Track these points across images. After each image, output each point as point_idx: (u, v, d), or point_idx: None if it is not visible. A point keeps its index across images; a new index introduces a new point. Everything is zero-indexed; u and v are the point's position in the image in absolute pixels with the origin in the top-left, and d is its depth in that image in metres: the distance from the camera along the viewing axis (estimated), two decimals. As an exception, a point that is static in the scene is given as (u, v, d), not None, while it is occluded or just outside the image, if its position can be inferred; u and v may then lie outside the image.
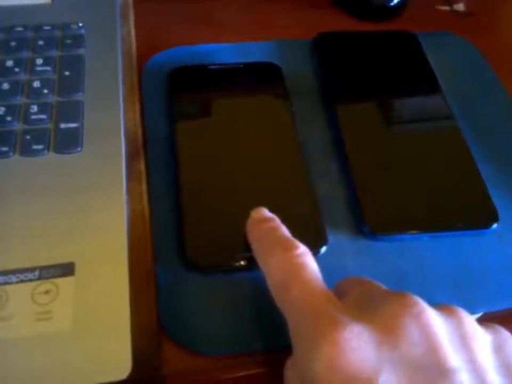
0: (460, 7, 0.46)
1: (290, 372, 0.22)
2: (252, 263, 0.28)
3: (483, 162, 0.34)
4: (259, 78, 0.37)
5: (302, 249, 0.24)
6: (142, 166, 0.32)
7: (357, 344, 0.19)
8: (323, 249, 0.29)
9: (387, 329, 0.19)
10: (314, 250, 0.29)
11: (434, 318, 0.20)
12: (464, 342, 0.19)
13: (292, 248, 0.24)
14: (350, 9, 0.44)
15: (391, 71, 0.39)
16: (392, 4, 0.44)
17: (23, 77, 0.33)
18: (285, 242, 0.25)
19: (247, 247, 0.27)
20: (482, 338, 0.20)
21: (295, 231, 0.29)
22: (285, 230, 0.26)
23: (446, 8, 0.46)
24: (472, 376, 0.18)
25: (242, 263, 0.28)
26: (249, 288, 0.28)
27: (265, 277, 0.24)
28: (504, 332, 0.21)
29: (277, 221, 0.27)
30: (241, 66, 0.37)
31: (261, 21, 0.43)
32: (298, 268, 0.23)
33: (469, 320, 0.20)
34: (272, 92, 0.36)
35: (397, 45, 0.41)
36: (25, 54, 0.35)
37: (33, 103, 0.32)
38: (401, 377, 0.18)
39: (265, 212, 0.28)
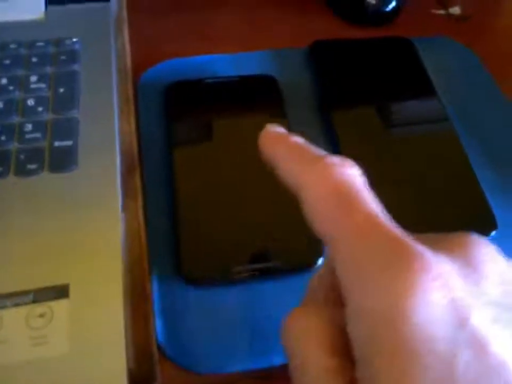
0: (456, 10, 0.45)
1: (305, 318, 0.19)
2: (249, 277, 0.28)
3: (481, 168, 0.34)
4: (256, 91, 0.37)
5: (358, 170, 0.19)
6: (137, 181, 0.32)
7: (450, 276, 0.16)
8: (320, 260, 0.29)
9: (466, 262, 0.17)
10: (311, 264, 0.29)
11: (502, 258, 0.18)
12: None
13: (347, 163, 0.19)
14: (345, 15, 0.44)
15: (388, 78, 0.39)
16: (387, 9, 0.44)
17: (18, 95, 0.33)
18: (331, 157, 0.20)
19: (245, 260, 0.27)
20: None
21: (292, 245, 0.29)
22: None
23: (442, 12, 0.45)
24: None
25: (239, 276, 0.28)
26: (247, 303, 0.28)
27: (303, 193, 0.19)
28: None
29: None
30: (237, 79, 0.37)
31: (256, 31, 0.43)
32: (359, 186, 0.18)
33: None
34: (269, 106, 0.36)
35: (393, 51, 0.40)
36: (19, 72, 0.35)
37: (28, 122, 0.32)
38: (491, 314, 0.16)
39: (283, 129, 0.23)
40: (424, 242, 0.17)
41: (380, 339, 0.15)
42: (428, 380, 0.15)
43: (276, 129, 0.23)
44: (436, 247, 0.17)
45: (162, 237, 0.30)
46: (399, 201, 0.31)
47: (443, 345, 0.15)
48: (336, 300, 0.19)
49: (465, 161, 0.34)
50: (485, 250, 0.17)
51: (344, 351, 0.17)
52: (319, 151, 0.20)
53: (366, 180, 0.19)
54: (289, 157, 0.21)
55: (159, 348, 0.26)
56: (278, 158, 0.21)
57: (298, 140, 0.21)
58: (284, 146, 0.21)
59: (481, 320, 0.15)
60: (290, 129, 0.34)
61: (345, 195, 0.18)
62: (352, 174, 0.19)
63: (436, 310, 0.15)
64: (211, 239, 0.29)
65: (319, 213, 0.18)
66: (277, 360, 0.26)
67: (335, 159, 0.19)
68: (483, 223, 0.31)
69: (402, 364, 0.15)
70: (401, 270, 0.16)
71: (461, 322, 0.15)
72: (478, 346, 0.15)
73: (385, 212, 0.18)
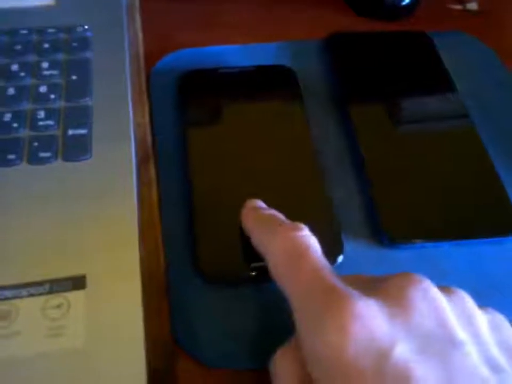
0: (473, 6, 0.45)
1: (286, 359, 0.22)
2: (266, 274, 0.27)
3: (502, 165, 0.33)
4: (272, 81, 0.36)
5: (307, 231, 0.23)
6: (152, 172, 0.31)
7: (372, 316, 0.19)
8: (340, 258, 0.28)
9: (397, 302, 0.20)
10: (331, 259, 0.28)
11: (439, 293, 0.20)
12: (468, 318, 0.20)
13: (297, 228, 0.23)
14: (361, 8, 0.43)
15: (405, 71, 0.38)
16: (404, 3, 0.43)
17: (29, 81, 0.33)
18: (289, 223, 0.24)
19: (262, 257, 0.26)
20: (482, 317, 0.21)
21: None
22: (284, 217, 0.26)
23: (459, 7, 0.45)
24: (478, 350, 0.19)
25: (256, 273, 0.27)
26: (265, 300, 0.27)
27: (267, 257, 0.23)
28: (499, 315, 0.22)
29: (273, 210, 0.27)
30: (253, 69, 0.36)
31: (271, 22, 0.42)
32: (306, 247, 0.22)
33: (470, 300, 0.21)
34: (286, 96, 0.35)
35: (410, 44, 0.40)
36: (31, 58, 0.34)
37: (40, 109, 0.31)
38: (416, 348, 0.18)
39: (261, 202, 0.28)
40: (365, 284, 0.21)
41: (325, 375, 0.19)
42: None
43: (253, 203, 0.28)
44: (372, 290, 0.20)
45: (178, 229, 0.29)
46: (419, 200, 0.31)
47: (371, 377, 0.18)
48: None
49: (485, 158, 0.33)
50: (418, 289, 0.20)
51: None
52: (281, 219, 0.25)
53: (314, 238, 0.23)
54: (260, 227, 0.26)
55: (174, 341, 0.25)
56: (251, 231, 0.26)
57: (268, 212, 0.26)
58: (258, 218, 0.26)
59: (404, 352, 0.18)
60: (308, 120, 0.34)
61: (295, 257, 0.22)
62: (303, 235, 0.23)
63: (361, 346, 0.18)
64: (229, 234, 0.28)
65: (278, 274, 0.23)
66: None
67: (289, 225, 0.24)
68: (505, 222, 0.30)
69: None
70: (331, 312, 0.19)
71: (383, 356, 0.18)
72: (401, 376, 0.17)
73: (328, 265, 0.22)
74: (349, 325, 0.18)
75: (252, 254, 0.27)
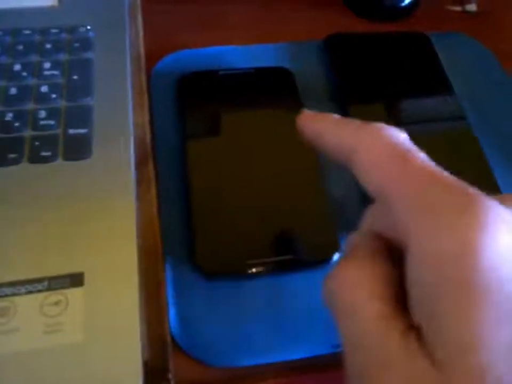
0: (472, 7, 0.45)
1: (354, 274, 0.18)
2: (265, 270, 0.28)
3: (498, 165, 0.34)
4: (271, 84, 0.36)
5: (404, 132, 0.20)
6: (151, 172, 0.31)
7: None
8: (336, 256, 0.29)
9: None
10: (328, 257, 0.28)
11: None
12: None
13: (393, 128, 0.20)
14: (361, 9, 0.44)
15: (403, 73, 0.38)
16: (403, 4, 0.43)
17: (31, 81, 0.33)
18: (377, 123, 0.20)
19: (260, 252, 0.27)
20: None
21: (308, 239, 0.29)
22: None
23: (458, 8, 0.45)
24: None
25: (254, 269, 0.28)
26: (262, 296, 0.28)
27: (358, 157, 0.20)
28: None
29: None
30: (252, 71, 0.37)
31: (271, 23, 0.42)
32: (409, 144, 0.19)
33: None
34: (285, 99, 0.35)
35: (409, 45, 0.40)
36: (33, 58, 0.34)
37: (42, 109, 0.31)
38: None
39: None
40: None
41: (448, 277, 0.16)
42: (494, 317, 0.15)
43: (312, 112, 0.24)
44: (498, 200, 0.17)
45: (176, 227, 0.30)
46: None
47: (510, 286, 0.15)
48: (381, 252, 0.19)
49: (482, 159, 0.33)
50: None
51: (395, 300, 0.18)
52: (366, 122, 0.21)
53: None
54: (336, 128, 0.21)
55: (172, 338, 0.26)
56: (323, 132, 0.22)
57: (339, 117, 0.22)
58: (329, 120, 0.22)
59: None
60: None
61: (400, 151, 0.19)
62: (403, 136, 0.19)
63: (506, 252, 0.15)
64: (226, 231, 0.29)
65: (376, 171, 0.19)
66: (291, 354, 0.26)
67: (384, 124, 0.20)
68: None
69: (471, 300, 0.15)
70: (470, 211, 0.16)
71: None
72: None
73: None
74: (497, 228, 0.16)
75: (249, 250, 0.27)
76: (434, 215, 0.17)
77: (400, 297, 0.18)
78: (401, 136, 0.19)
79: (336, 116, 0.22)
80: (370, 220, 0.22)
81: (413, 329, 0.17)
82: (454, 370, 0.15)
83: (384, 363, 0.17)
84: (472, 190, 0.17)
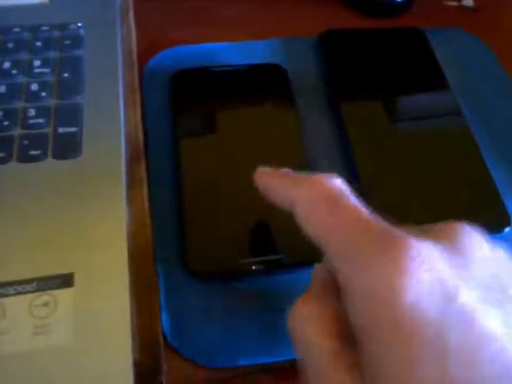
0: (469, 2, 0.44)
1: (309, 309, 0.20)
2: (256, 270, 0.27)
3: (494, 163, 0.33)
4: (264, 81, 0.36)
5: (338, 178, 0.21)
6: (142, 171, 0.31)
7: (436, 258, 0.17)
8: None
9: (452, 246, 0.18)
10: (320, 256, 0.28)
11: (486, 242, 0.19)
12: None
13: (327, 175, 0.21)
14: (356, 5, 0.43)
15: (399, 68, 0.38)
16: (398, -1, 0.43)
17: (21, 79, 0.33)
18: (315, 175, 0.22)
19: (251, 252, 0.27)
20: None
21: (299, 238, 0.29)
22: None
23: (454, 3, 0.45)
24: None
25: (245, 269, 0.27)
26: (254, 296, 0.27)
27: (297, 208, 0.21)
28: None
29: None
30: (245, 68, 0.36)
31: (265, 19, 0.42)
32: (341, 190, 0.21)
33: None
34: (278, 96, 0.35)
35: (404, 41, 0.40)
36: (23, 56, 0.34)
37: (31, 107, 0.31)
38: (478, 295, 0.17)
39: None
40: (410, 230, 0.18)
41: (374, 320, 0.17)
42: (422, 354, 0.16)
43: (265, 169, 0.26)
44: (423, 235, 0.18)
45: (167, 226, 0.29)
46: (409, 196, 0.31)
47: (435, 320, 0.16)
48: (332, 291, 0.21)
49: (478, 156, 0.33)
50: (471, 237, 0.19)
51: (343, 336, 0.19)
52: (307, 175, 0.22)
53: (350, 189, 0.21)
54: (281, 183, 0.23)
55: (164, 339, 0.26)
56: (270, 187, 0.24)
57: (288, 171, 0.24)
58: (275, 176, 0.24)
59: (469, 298, 0.17)
60: (300, 118, 0.34)
61: (333, 198, 0.20)
62: (338, 182, 0.21)
63: (425, 289, 0.16)
64: (217, 231, 0.28)
65: (312, 219, 0.21)
66: (283, 354, 0.26)
67: (323, 174, 0.21)
68: (496, 220, 0.30)
69: (399, 341, 0.16)
70: (390, 253, 0.17)
71: (450, 299, 0.16)
72: (467, 321, 0.16)
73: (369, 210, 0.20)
74: (414, 266, 0.17)
75: (240, 250, 0.27)
76: (359, 260, 0.18)
77: (349, 333, 0.19)
78: (336, 184, 0.21)
79: (285, 171, 0.24)
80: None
81: (356, 367, 0.18)
82: None
83: None
84: (395, 232, 0.18)
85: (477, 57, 0.41)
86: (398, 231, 0.18)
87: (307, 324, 0.20)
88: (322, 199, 0.20)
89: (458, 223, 0.19)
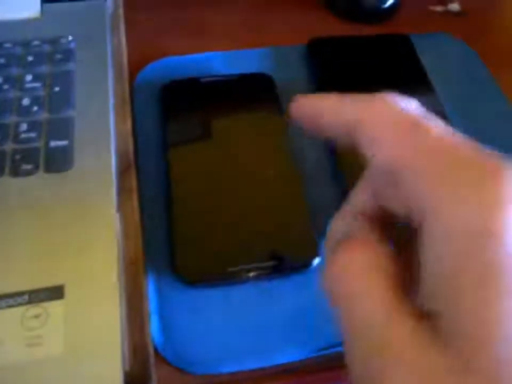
0: (454, 7, 0.45)
1: (359, 251, 0.17)
2: (246, 276, 0.28)
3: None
4: (252, 91, 0.36)
5: (415, 100, 0.19)
6: (133, 181, 0.31)
7: None
8: (316, 260, 0.29)
9: None
10: (308, 262, 0.29)
11: None
12: None
13: (401, 97, 0.18)
14: (342, 12, 0.44)
15: (385, 75, 0.38)
16: (384, 5, 0.43)
17: (12, 94, 0.33)
18: (383, 94, 0.19)
19: (241, 259, 0.27)
20: None
21: (289, 244, 0.29)
22: None
23: (440, 8, 0.45)
24: None
25: (235, 276, 0.28)
26: (245, 303, 0.28)
27: (365, 131, 0.18)
28: None
29: None
30: (234, 78, 0.37)
31: (253, 28, 0.42)
32: (420, 112, 0.18)
33: None
34: (266, 106, 0.36)
35: (391, 47, 0.40)
36: (15, 71, 0.35)
37: (23, 121, 0.32)
38: None
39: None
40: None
41: (469, 263, 0.14)
42: None
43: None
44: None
45: (158, 236, 0.30)
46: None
47: None
48: (381, 235, 0.18)
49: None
50: None
51: (403, 286, 0.16)
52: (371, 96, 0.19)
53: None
54: (337, 105, 0.20)
55: (155, 348, 0.26)
56: (322, 112, 0.20)
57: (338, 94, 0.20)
58: (328, 99, 0.20)
59: None
60: (287, 127, 0.34)
61: (411, 120, 0.17)
62: (414, 104, 0.18)
63: None
64: (207, 239, 0.29)
65: (385, 142, 0.17)
66: (274, 360, 0.26)
67: (393, 93, 0.18)
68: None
69: (493, 291, 0.14)
70: (490, 184, 0.15)
71: None
72: None
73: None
74: None
75: (230, 257, 0.27)
76: (453, 190, 0.15)
77: (407, 282, 0.16)
78: (412, 104, 0.18)
79: (335, 94, 0.20)
80: (361, 199, 0.20)
81: (424, 319, 0.15)
82: (472, 363, 0.14)
83: (394, 355, 0.15)
84: (494, 161, 0.15)
85: (463, 61, 0.41)
86: (496, 160, 0.15)
87: (361, 273, 0.17)
88: (400, 120, 0.17)
89: None
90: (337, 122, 0.19)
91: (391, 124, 0.17)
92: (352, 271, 0.17)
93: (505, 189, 0.15)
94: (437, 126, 0.17)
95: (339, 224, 0.20)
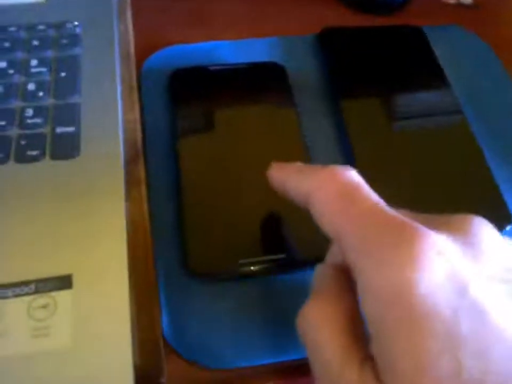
0: (466, 0, 0.44)
1: (320, 309, 0.20)
2: (257, 270, 0.27)
3: (494, 160, 0.33)
4: (263, 79, 0.35)
5: (352, 169, 0.21)
6: (142, 170, 0.31)
7: (450, 250, 0.18)
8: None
9: (465, 238, 0.18)
10: (321, 256, 0.28)
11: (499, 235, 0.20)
12: None
13: (342, 167, 0.21)
14: (353, 2, 0.43)
15: (398, 66, 0.38)
16: (397, -3, 0.43)
17: (18, 79, 0.32)
18: (329, 167, 0.22)
19: (252, 252, 0.26)
20: None
21: (300, 237, 0.29)
22: None
23: (452, 1, 0.44)
24: None
25: (246, 269, 0.27)
26: (255, 296, 0.27)
27: (312, 200, 0.21)
28: None
29: None
30: (244, 66, 0.36)
31: (263, 18, 0.42)
32: (357, 181, 0.21)
33: None
34: (277, 95, 0.35)
35: (403, 39, 0.39)
36: (20, 55, 0.34)
37: (28, 107, 0.31)
38: (491, 288, 0.17)
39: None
40: (425, 221, 0.19)
41: (390, 311, 0.17)
42: (435, 345, 0.16)
43: (278, 164, 0.26)
44: (436, 225, 0.18)
45: (167, 227, 0.29)
46: (409, 194, 0.31)
47: (447, 312, 0.16)
48: (343, 287, 0.21)
49: (478, 154, 0.33)
50: (484, 229, 0.19)
51: (356, 332, 0.20)
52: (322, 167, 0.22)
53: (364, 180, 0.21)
54: (296, 174, 0.23)
55: (165, 341, 0.25)
56: (285, 180, 0.24)
57: (302, 164, 0.24)
58: (290, 169, 0.24)
59: (480, 290, 0.17)
60: (299, 116, 0.34)
61: (349, 190, 0.20)
62: (354, 174, 0.21)
63: (438, 280, 0.17)
64: (218, 231, 0.28)
65: (327, 211, 0.21)
66: (285, 355, 0.26)
67: (338, 166, 0.21)
68: (498, 217, 0.30)
69: (412, 333, 0.16)
70: (404, 246, 0.17)
71: (461, 291, 0.17)
72: (478, 313, 0.16)
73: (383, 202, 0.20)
74: (429, 259, 0.17)
75: (241, 250, 0.26)
76: (373, 253, 0.18)
77: (362, 327, 0.20)
78: (352, 175, 0.21)
79: (299, 164, 0.24)
80: (335, 252, 0.24)
81: (369, 360, 0.18)
82: None
83: None
84: (410, 224, 0.18)
85: (476, 54, 0.40)
86: (414, 223, 0.18)
87: (320, 325, 0.20)
88: (338, 191, 0.20)
89: (471, 216, 0.19)
90: (295, 191, 0.23)
91: (332, 196, 0.21)
92: (315, 322, 0.20)
93: (416, 249, 0.17)
94: (367, 194, 0.20)
95: (319, 271, 0.23)
